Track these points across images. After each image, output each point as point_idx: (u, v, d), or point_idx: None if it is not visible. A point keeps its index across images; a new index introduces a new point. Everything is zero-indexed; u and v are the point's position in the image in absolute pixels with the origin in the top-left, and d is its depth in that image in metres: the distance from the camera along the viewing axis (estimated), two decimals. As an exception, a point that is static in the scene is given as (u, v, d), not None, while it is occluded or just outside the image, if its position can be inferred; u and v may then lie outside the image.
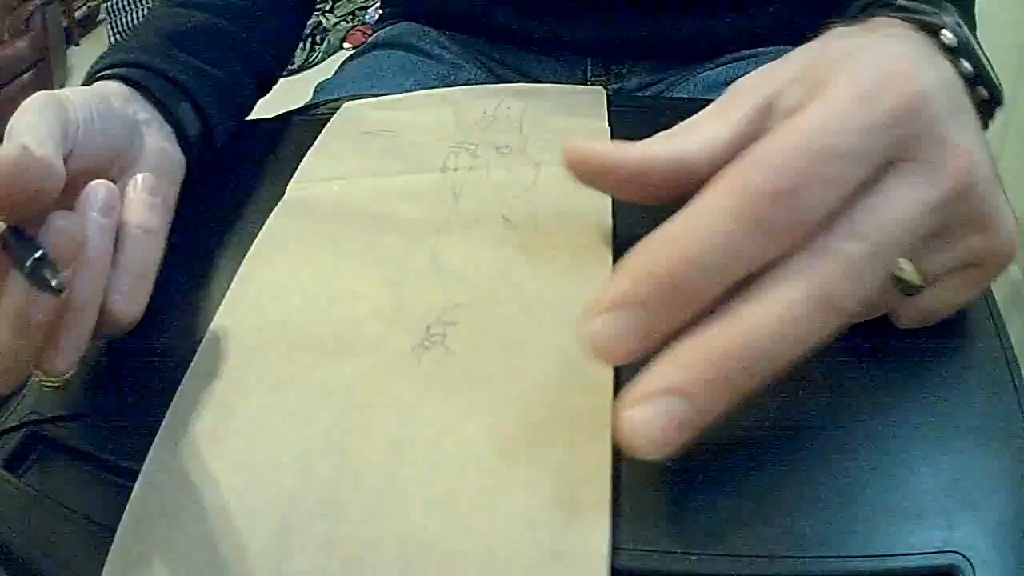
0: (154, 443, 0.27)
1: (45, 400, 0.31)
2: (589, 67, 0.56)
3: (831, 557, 0.23)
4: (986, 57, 0.29)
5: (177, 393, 0.28)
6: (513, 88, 0.42)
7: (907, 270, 0.26)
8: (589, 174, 0.30)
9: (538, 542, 0.23)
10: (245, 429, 0.27)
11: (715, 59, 0.53)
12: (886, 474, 0.25)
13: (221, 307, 0.31)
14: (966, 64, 0.28)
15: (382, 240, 0.33)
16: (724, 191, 0.23)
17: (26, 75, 2.45)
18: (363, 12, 2.59)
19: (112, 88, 0.38)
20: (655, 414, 0.21)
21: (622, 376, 0.27)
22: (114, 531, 0.25)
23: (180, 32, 0.43)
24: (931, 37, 0.28)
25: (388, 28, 0.63)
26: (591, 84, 0.56)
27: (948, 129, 0.24)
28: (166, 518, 0.25)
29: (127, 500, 0.26)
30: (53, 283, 0.25)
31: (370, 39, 0.63)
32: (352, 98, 0.47)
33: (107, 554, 0.25)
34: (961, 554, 0.23)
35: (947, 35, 0.28)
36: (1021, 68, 1.03)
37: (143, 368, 0.31)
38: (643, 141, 0.29)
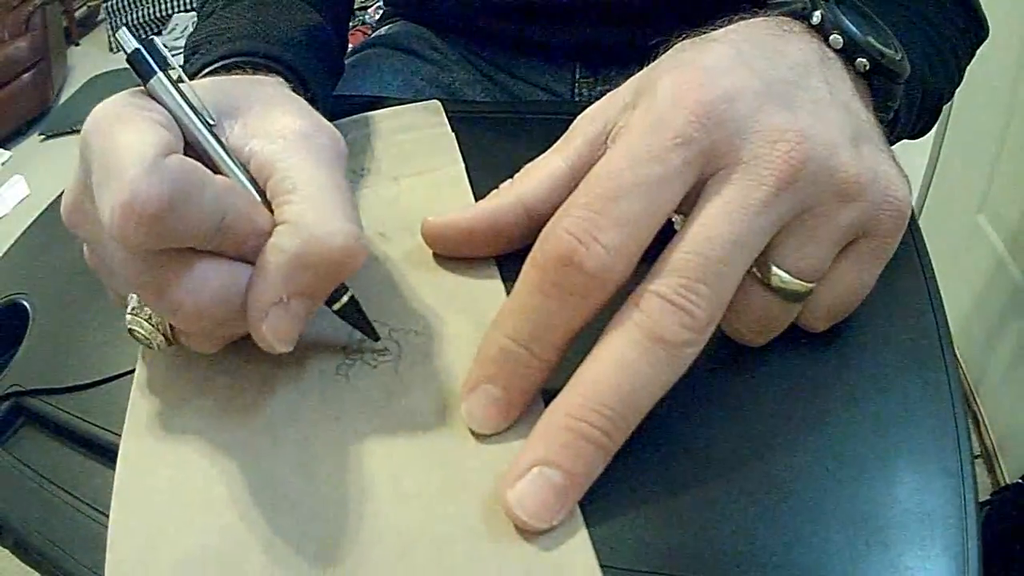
0: (114, 494, 0.26)
1: (28, 373, 0.32)
2: (578, 71, 0.56)
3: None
4: (882, 28, 0.28)
5: (122, 440, 0.28)
6: (351, 119, 0.43)
7: (782, 277, 0.25)
8: (451, 244, 0.32)
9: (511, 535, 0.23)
10: (207, 462, 0.27)
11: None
12: (795, 504, 0.23)
13: (139, 358, 0.31)
14: (837, 38, 0.27)
15: None
16: (528, 264, 0.25)
17: (26, 75, 2.45)
18: (363, 12, 2.59)
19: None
20: (529, 489, 0.23)
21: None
22: (93, 504, 0.26)
23: (311, 30, 0.40)
24: (801, 22, 0.28)
25: (385, 28, 0.63)
26: (579, 87, 0.57)
27: (762, 119, 0.24)
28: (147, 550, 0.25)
29: (104, 473, 0.26)
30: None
31: (369, 37, 0.64)
32: (341, 96, 0.47)
33: (87, 526, 0.26)
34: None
35: (816, 16, 0.28)
36: (1021, 68, 1.03)
37: (126, 344, 0.30)
38: (491, 194, 0.31)
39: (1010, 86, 1.04)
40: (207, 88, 0.28)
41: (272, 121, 0.28)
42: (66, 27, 2.77)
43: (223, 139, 0.27)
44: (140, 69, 0.25)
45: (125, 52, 0.25)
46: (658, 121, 0.24)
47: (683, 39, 0.28)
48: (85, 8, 2.92)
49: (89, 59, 2.76)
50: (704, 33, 0.28)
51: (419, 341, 0.30)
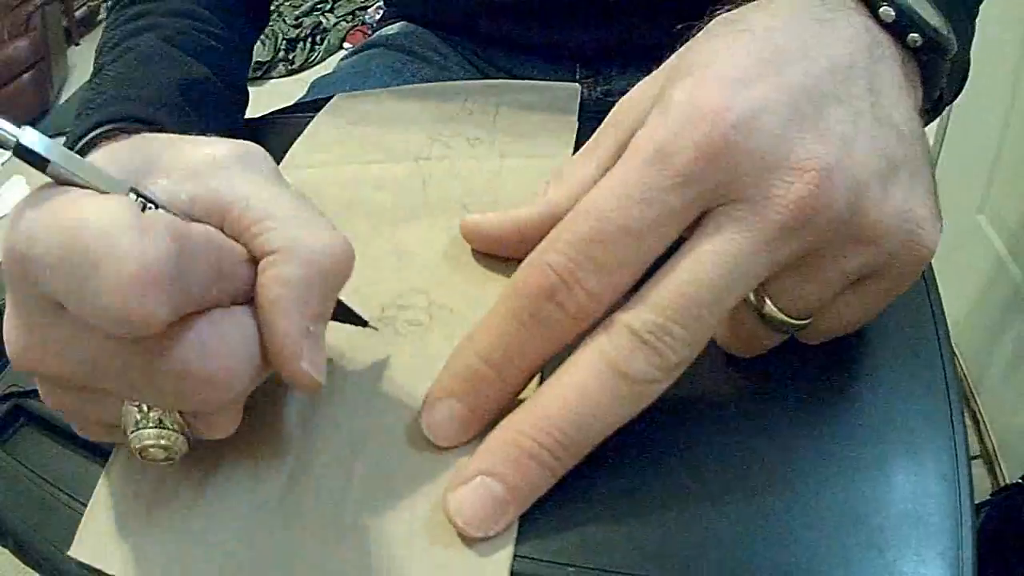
0: (110, 459, 0.27)
1: (28, 374, 0.32)
2: (578, 71, 0.56)
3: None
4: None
5: None
6: (493, 83, 0.43)
7: (774, 311, 0.24)
8: (484, 245, 0.32)
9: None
10: (204, 459, 0.27)
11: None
12: (791, 506, 0.23)
13: None
14: (888, 11, 0.25)
15: (350, 224, 0.34)
16: (508, 290, 0.24)
17: (26, 75, 2.45)
18: (363, 12, 2.59)
19: None
20: (470, 497, 0.23)
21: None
22: (86, 503, 0.26)
23: (189, 85, 0.39)
24: None
25: (386, 28, 0.64)
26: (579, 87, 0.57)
27: (783, 148, 0.22)
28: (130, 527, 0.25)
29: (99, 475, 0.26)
30: None
31: (370, 38, 0.64)
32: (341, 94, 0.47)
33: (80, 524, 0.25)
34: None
35: None
36: (1021, 68, 1.03)
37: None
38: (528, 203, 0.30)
39: (1010, 86, 1.04)
40: (98, 161, 0.24)
41: (192, 159, 0.24)
42: (66, 27, 2.77)
43: (153, 199, 0.23)
44: (31, 159, 0.21)
45: (5, 147, 0.21)
46: (661, 151, 0.22)
47: (722, 12, 0.26)
48: (85, 8, 2.91)
49: (89, 59, 2.75)
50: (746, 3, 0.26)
51: (451, 319, 0.30)
